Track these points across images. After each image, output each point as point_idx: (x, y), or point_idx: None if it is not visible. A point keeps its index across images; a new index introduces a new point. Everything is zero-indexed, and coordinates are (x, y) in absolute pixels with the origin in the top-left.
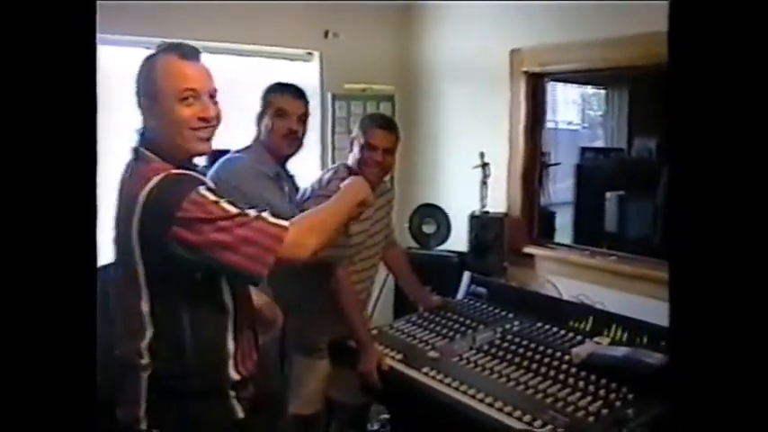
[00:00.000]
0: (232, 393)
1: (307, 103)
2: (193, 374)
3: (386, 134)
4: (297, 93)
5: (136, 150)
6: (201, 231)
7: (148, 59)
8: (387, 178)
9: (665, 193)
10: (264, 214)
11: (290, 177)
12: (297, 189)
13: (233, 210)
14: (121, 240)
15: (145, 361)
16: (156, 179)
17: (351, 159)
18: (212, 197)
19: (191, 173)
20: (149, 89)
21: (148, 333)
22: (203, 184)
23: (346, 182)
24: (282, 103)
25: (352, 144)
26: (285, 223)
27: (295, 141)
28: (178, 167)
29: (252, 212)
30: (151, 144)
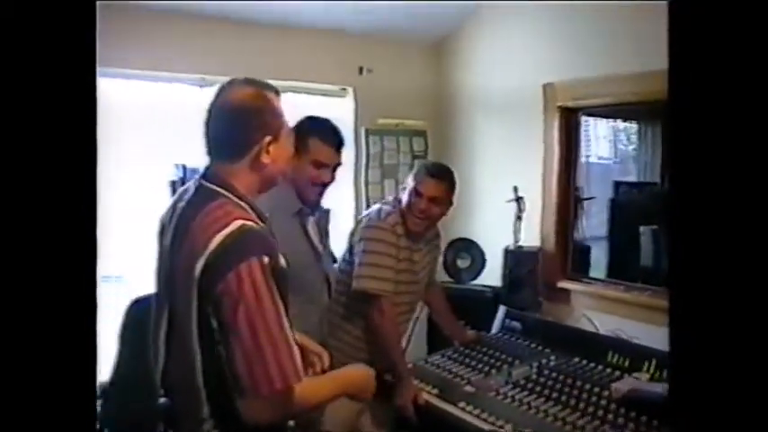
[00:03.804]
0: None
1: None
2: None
3: (435, 183)
4: (339, 144)
5: (208, 189)
6: (234, 308)
7: (259, 96)
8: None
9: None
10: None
11: (316, 212)
12: (327, 221)
13: (271, 309)
14: (178, 282)
15: (208, 428)
16: (232, 227)
17: (403, 200)
18: (260, 276)
19: (266, 230)
20: (274, 126)
21: (203, 398)
22: (265, 251)
23: (353, 370)
24: (323, 155)
25: (408, 186)
26: (300, 376)
27: (324, 190)
28: (251, 207)
29: (287, 327)
30: (224, 183)
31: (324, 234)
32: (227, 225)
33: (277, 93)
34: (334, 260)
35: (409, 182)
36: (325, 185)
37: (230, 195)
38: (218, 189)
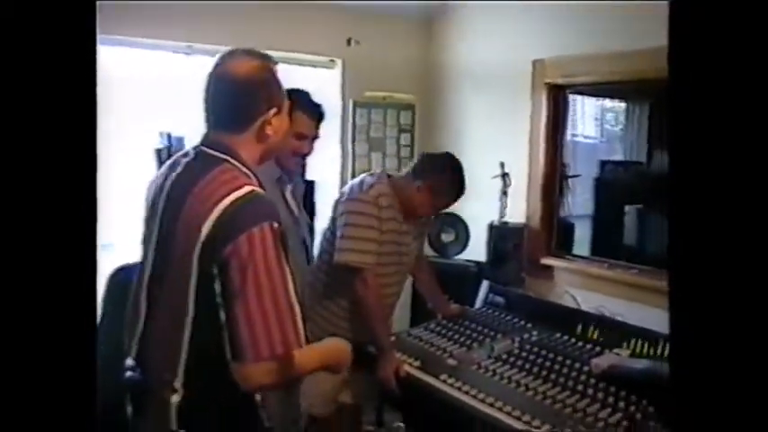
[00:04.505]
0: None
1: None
2: (226, 399)
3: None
4: (320, 117)
5: (211, 155)
6: (243, 270)
7: (265, 68)
8: None
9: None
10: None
11: (293, 179)
12: (312, 191)
13: (278, 274)
14: (176, 244)
15: (176, 399)
16: (243, 191)
17: (405, 175)
18: (271, 241)
19: (270, 198)
20: (278, 98)
21: (181, 368)
22: (275, 217)
23: (333, 343)
24: (304, 127)
25: (418, 172)
26: (301, 342)
27: (303, 160)
28: (254, 176)
29: (292, 293)
30: (229, 150)
31: (300, 201)
32: (237, 188)
33: (276, 64)
34: (311, 229)
35: (432, 188)
36: (305, 156)
37: (236, 162)
38: (223, 156)
